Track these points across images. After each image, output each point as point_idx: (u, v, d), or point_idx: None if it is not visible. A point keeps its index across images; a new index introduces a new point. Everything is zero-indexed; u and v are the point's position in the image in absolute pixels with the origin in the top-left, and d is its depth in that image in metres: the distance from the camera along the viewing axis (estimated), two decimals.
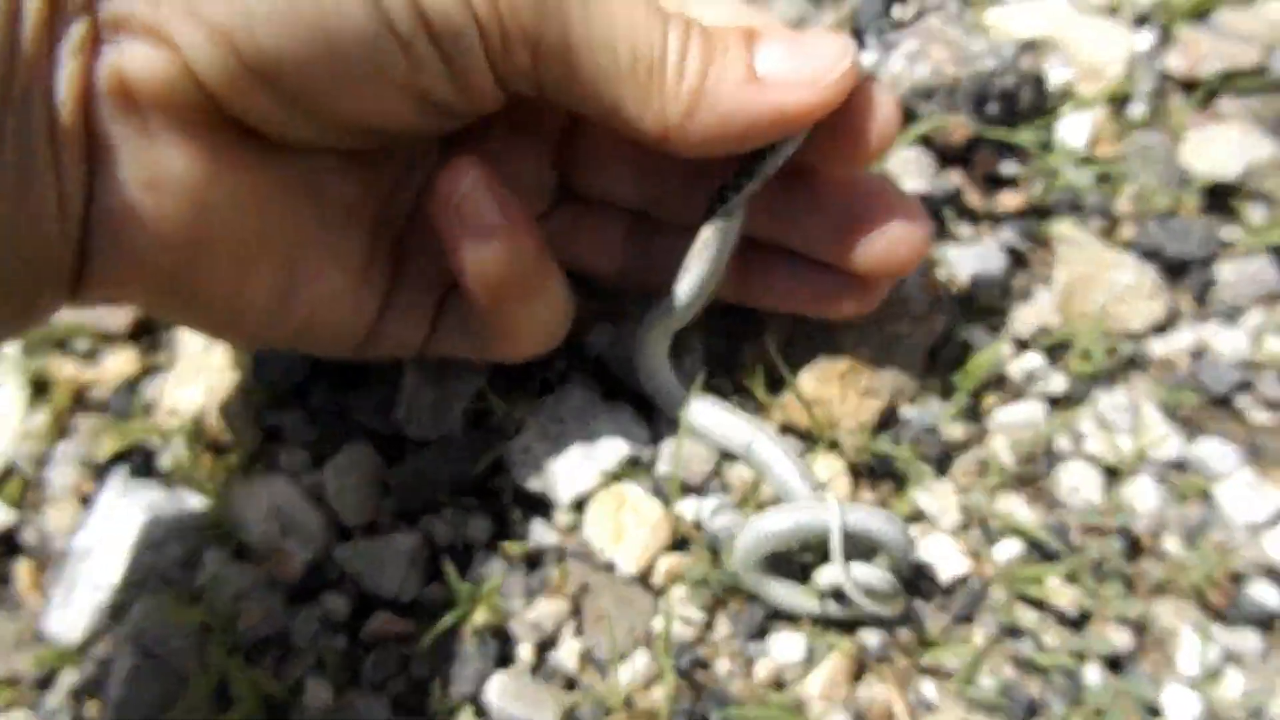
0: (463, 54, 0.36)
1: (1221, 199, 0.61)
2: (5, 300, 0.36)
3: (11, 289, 0.35)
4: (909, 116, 0.58)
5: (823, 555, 0.48)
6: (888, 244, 0.45)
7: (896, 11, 0.43)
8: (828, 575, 0.47)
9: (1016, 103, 0.58)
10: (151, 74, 0.35)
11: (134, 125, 0.35)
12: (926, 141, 0.58)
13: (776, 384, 0.52)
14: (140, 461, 0.54)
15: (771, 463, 0.49)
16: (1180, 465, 0.55)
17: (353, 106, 0.37)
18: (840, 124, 0.41)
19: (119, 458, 0.54)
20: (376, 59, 0.35)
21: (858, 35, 0.43)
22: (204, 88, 0.35)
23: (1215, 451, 0.54)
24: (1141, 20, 0.66)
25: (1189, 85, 0.64)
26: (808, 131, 0.42)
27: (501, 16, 0.36)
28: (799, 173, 0.45)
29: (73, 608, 0.48)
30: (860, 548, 0.47)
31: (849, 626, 0.49)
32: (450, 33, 0.36)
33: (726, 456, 0.52)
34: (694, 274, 0.45)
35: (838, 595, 0.48)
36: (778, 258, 0.49)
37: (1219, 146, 0.61)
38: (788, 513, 0.46)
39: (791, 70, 0.39)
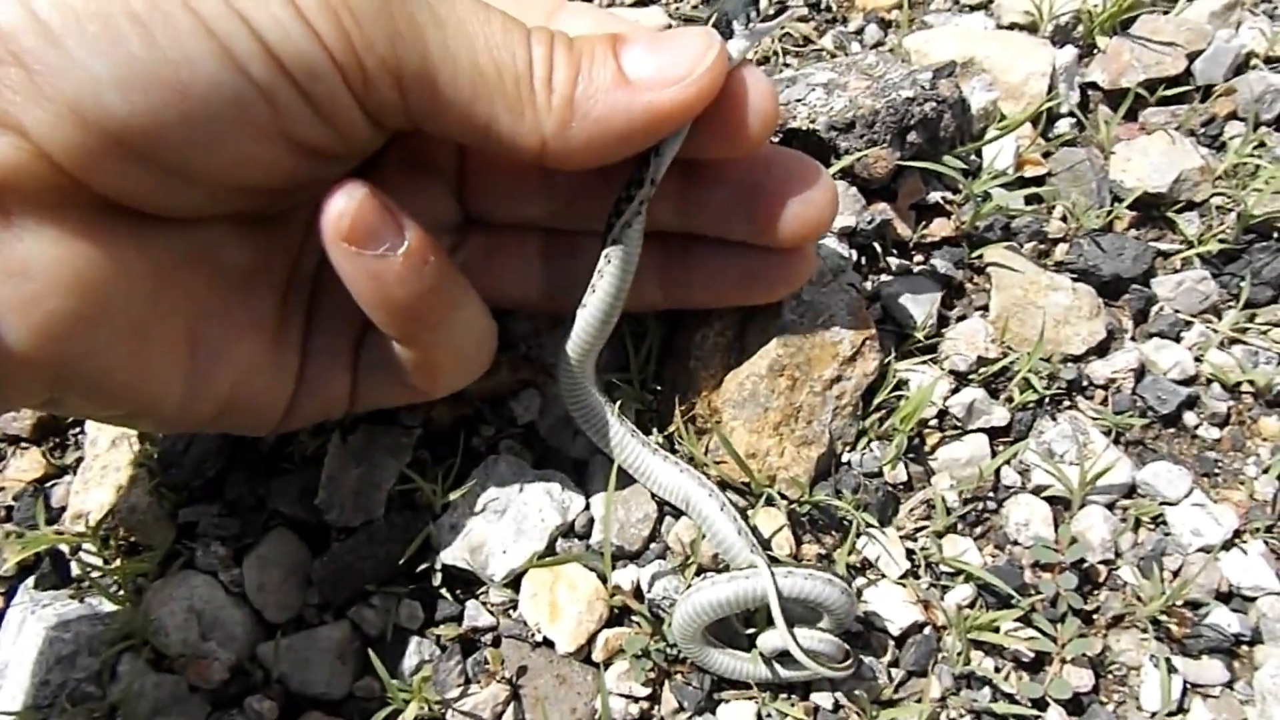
0: (325, 94, 0.35)
1: (1155, 210, 0.60)
2: None
3: None
4: (832, 152, 0.56)
5: (767, 619, 0.46)
6: (799, 208, 0.45)
7: (764, 2, 0.42)
8: (770, 641, 0.45)
9: (939, 129, 0.57)
10: (3, 162, 0.33)
11: None
12: (850, 175, 0.56)
13: (711, 435, 0.51)
14: (49, 569, 0.51)
15: (708, 518, 0.47)
16: (1130, 491, 0.53)
17: (224, 164, 0.36)
18: (719, 114, 0.41)
19: (27, 569, 0.51)
20: (238, 109, 0.34)
21: (727, 25, 0.42)
22: (61, 168, 0.34)
23: (1165, 474, 0.53)
24: (1062, 34, 0.65)
25: (1114, 97, 0.63)
26: (687, 128, 0.41)
27: (357, 51, 0.35)
28: (696, 161, 0.45)
29: None
30: (803, 609, 0.45)
31: (801, 690, 0.48)
32: (308, 73, 0.34)
33: (664, 515, 0.50)
34: (603, 289, 0.44)
35: (784, 657, 0.46)
36: (697, 250, 0.48)
37: (1148, 158, 0.60)
38: (725, 583, 0.44)
39: (660, 69, 0.39)
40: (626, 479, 0.49)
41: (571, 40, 0.39)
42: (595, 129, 0.39)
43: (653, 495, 0.50)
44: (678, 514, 0.50)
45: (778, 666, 0.46)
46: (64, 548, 0.51)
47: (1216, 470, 0.55)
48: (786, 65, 0.66)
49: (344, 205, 0.38)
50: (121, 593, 0.49)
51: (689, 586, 0.46)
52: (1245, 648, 0.50)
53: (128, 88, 0.33)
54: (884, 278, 0.56)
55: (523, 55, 0.38)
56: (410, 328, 0.41)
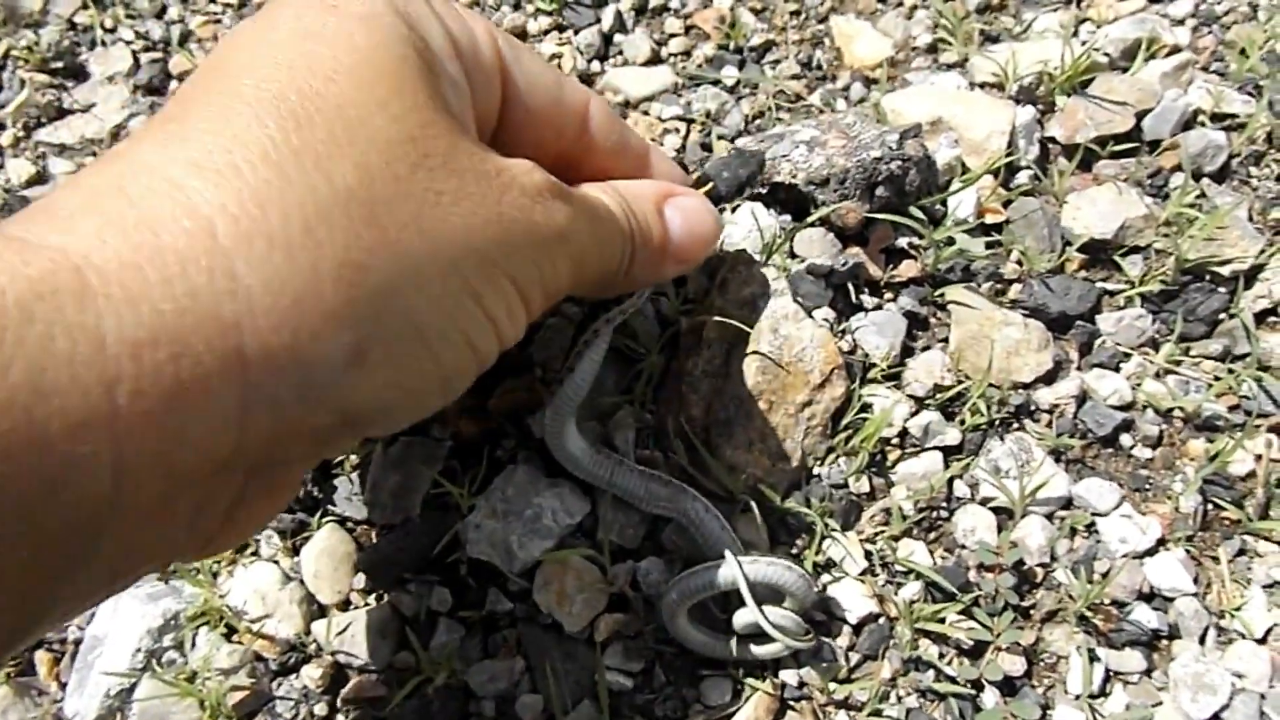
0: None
1: (1102, 253, 0.68)
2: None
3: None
4: (811, 203, 0.64)
5: (739, 602, 0.54)
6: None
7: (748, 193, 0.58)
8: (743, 617, 0.54)
9: (905, 184, 0.65)
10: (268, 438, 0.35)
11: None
12: (826, 223, 0.64)
13: (699, 450, 0.59)
14: None
15: (699, 524, 0.55)
16: (1068, 503, 0.61)
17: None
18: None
19: None
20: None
21: (712, 187, 0.57)
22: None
23: (1097, 489, 0.60)
24: (1027, 93, 0.73)
25: (1071, 151, 0.71)
26: None
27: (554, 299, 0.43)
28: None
29: (86, 693, 0.55)
30: (770, 593, 0.53)
31: (771, 668, 0.56)
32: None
33: (658, 520, 0.59)
34: (578, 375, 0.53)
35: (755, 636, 0.54)
36: None
37: (1096, 207, 0.68)
38: (701, 571, 0.53)
39: (692, 235, 0.50)
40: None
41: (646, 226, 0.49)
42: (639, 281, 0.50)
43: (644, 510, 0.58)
44: (668, 520, 0.59)
45: (750, 646, 0.55)
46: None
47: (1147, 486, 0.62)
48: (779, 120, 0.74)
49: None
50: (200, 576, 0.58)
51: (675, 577, 0.54)
52: (1163, 642, 0.58)
53: (409, 402, 0.38)
54: (856, 314, 0.64)
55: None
56: None
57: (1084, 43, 0.73)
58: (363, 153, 0.33)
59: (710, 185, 0.61)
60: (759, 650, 0.55)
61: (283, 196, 0.31)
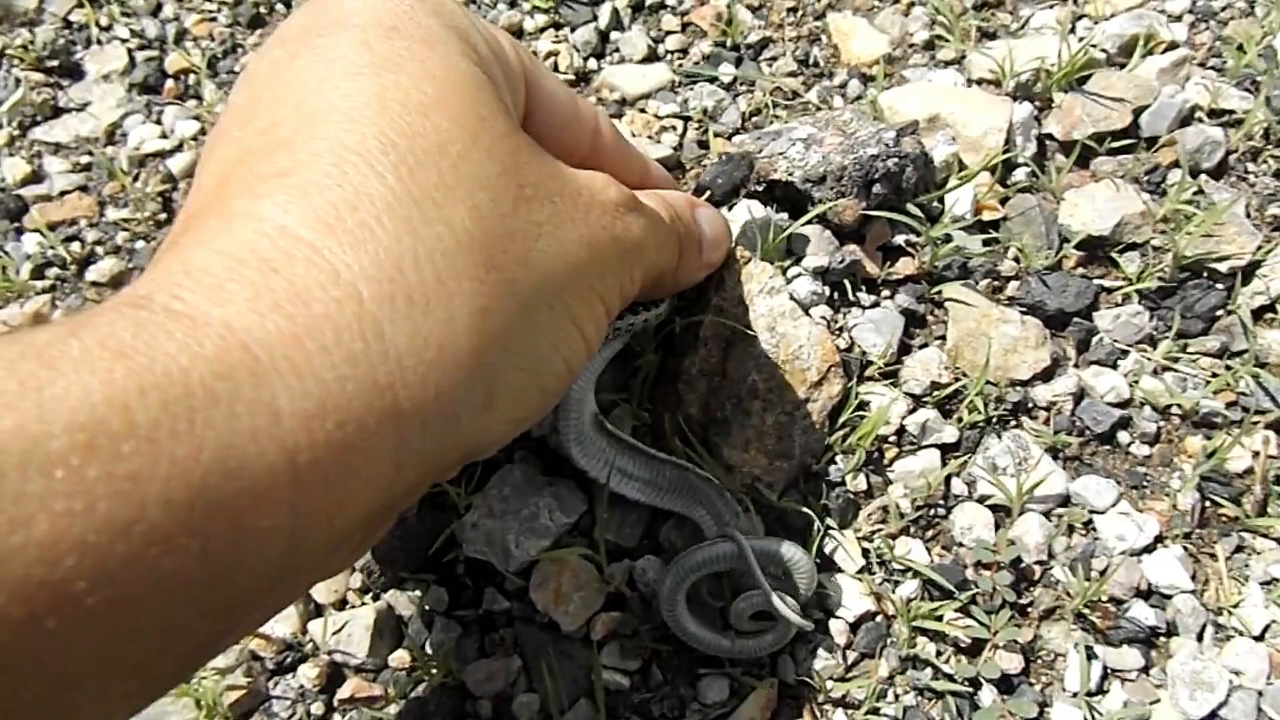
0: None
1: (1099, 250, 0.68)
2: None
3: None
4: (808, 200, 0.64)
5: (742, 589, 0.54)
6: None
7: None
8: (742, 605, 0.54)
9: (902, 181, 0.64)
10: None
11: None
12: (823, 221, 0.64)
13: (696, 449, 0.59)
14: None
15: (708, 502, 0.56)
16: (1065, 501, 0.61)
17: None
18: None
19: None
20: None
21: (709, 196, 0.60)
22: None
23: (1094, 486, 0.60)
24: (1024, 90, 0.73)
25: (1068, 147, 0.71)
26: None
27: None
28: None
29: None
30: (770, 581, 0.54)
31: (768, 667, 0.56)
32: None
33: (656, 518, 0.59)
34: (594, 366, 0.54)
35: (753, 633, 0.54)
36: None
37: (1094, 204, 0.68)
38: (706, 547, 0.53)
39: (715, 235, 0.54)
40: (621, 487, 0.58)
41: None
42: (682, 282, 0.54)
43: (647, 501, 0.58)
44: (667, 517, 0.59)
45: (745, 640, 0.54)
46: None
47: (1145, 483, 0.62)
48: (776, 118, 0.74)
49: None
50: None
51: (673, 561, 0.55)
52: (1161, 639, 0.58)
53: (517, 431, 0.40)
54: (853, 311, 0.64)
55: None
56: None
57: (1081, 39, 0.73)
58: (471, 193, 0.34)
59: (708, 193, 0.61)
60: (757, 643, 0.54)
61: (415, 251, 0.32)
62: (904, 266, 0.66)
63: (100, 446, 0.24)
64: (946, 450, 0.61)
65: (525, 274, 0.35)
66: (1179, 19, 0.76)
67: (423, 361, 0.31)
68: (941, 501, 0.60)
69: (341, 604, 0.58)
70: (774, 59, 0.77)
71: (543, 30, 0.77)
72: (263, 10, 0.80)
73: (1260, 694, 0.55)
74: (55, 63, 0.76)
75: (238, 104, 0.38)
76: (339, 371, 0.29)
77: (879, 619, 0.57)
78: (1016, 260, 0.67)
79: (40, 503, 0.23)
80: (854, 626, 0.57)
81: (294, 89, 0.35)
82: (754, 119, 0.74)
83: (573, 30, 0.77)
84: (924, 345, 0.64)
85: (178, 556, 0.25)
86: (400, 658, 0.57)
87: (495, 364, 0.34)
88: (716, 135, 0.71)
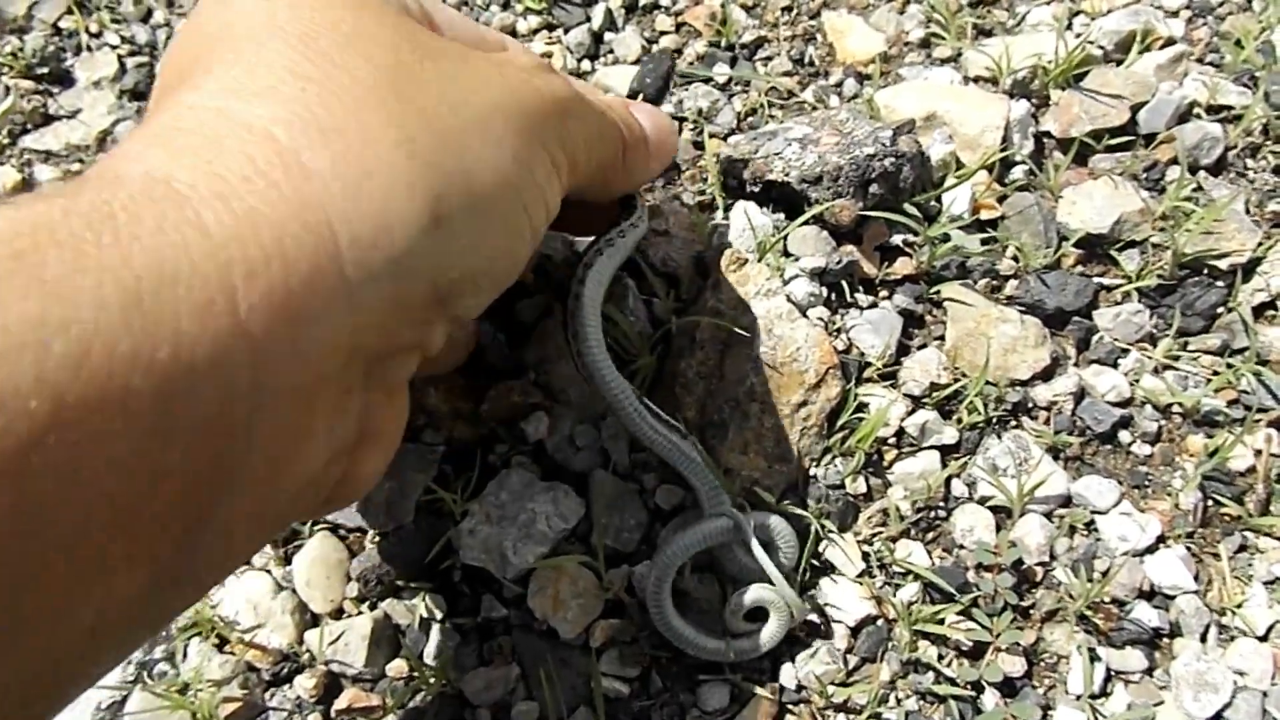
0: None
1: (1098, 248, 0.67)
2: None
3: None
4: (804, 201, 0.64)
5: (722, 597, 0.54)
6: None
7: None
8: (738, 599, 0.53)
9: (899, 181, 0.64)
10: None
11: None
12: (820, 221, 0.64)
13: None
14: None
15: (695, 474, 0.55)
16: (1067, 501, 0.60)
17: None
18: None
19: None
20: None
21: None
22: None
23: (1095, 487, 0.60)
24: (1021, 87, 0.72)
25: (1066, 145, 0.70)
26: None
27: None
28: None
29: (77, 707, 0.54)
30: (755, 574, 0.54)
31: (769, 672, 0.55)
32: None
33: (654, 522, 0.58)
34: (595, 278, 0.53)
35: (746, 633, 0.54)
36: None
37: (1092, 202, 0.67)
38: (696, 525, 0.54)
39: (660, 134, 0.54)
40: (620, 492, 0.57)
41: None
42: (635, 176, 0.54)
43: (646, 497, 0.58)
44: (666, 519, 0.58)
45: (739, 641, 0.54)
46: None
47: (1146, 483, 0.61)
48: (771, 118, 0.73)
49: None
50: None
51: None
52: (1164, 640, 0.57)
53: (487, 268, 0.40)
54: (851, 312, 0.64)
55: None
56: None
57: (1078, 36, 0.73)
58: (369, 51, 0.36)
59: (640, 95, 0.66)
60: (752, 641, 0.54)
61: (320, 95, 0.33)
62: (902, 266, 0.65)
63: (25, 251, 0.25)
64: (946, 451, 0.61)
65: (450, 114, 0.36)
66: (1176, 15, 0.76)
67: (346, 180, 0.32)
68: (942, 503, 0.60)
69: (338, 613, 0.57)
70: (769, 59, 0.76)
71: (536, 32, 0.77)
72: None
73: (1265, 695, 0.55)
74: (45, 70, 0.76)
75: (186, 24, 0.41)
76: (265, 195, 0.30)
77: (880, 623, 0.56)
78: (1015, 259, 0.66)
79: None
80: (855, 631, 0.56)
81: (209, 27, 0.37)
82: (749, 119, 0.73)
83: (566, 31, 0.77)
84: (923, 346, 0.64)
85: (119, 365, 0.25)
86: (398, 667, 0.56)
87: (434, 186, 0.34)
88: (712, 136, 0.71)
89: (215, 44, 0.36)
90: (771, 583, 0.53)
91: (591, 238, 0.54)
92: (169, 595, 0.31)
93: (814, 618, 0.56)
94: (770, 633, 0.54)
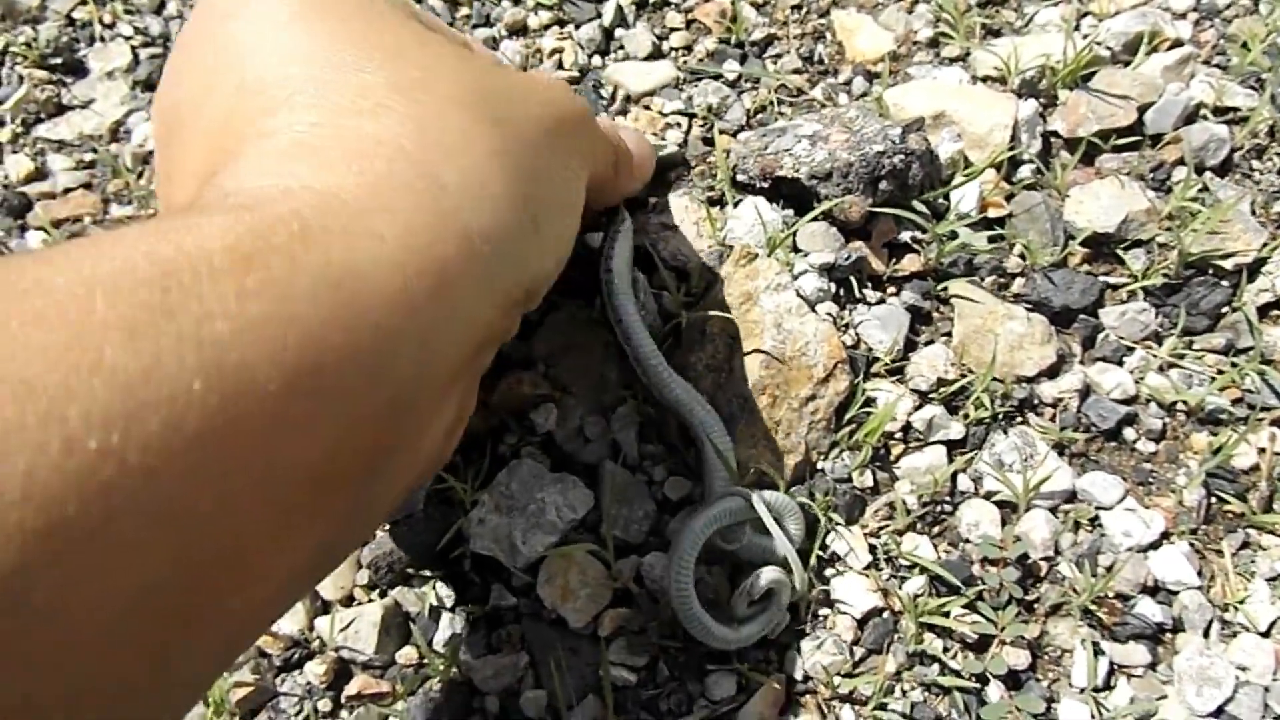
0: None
1: (1105, 247, 0.68)
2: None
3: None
4: (814, 197, 0.64)
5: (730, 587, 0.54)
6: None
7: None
8: (764, 577, 0.54)
9: (908, 178, 0.64)
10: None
11: None
12: (829, 217, 0.64)
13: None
14: None
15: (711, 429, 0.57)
16: (1071, 497, 0.61)
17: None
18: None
19: None
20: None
21: None
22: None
23: (1100, 483, 0.60)
24: (1029, 87, 0.73)
25: (1074, 145, 0.71)
26: None
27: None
28: None
29: None
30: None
31: (776, 663, 0.56)
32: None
33: (663, 514, 0.59)
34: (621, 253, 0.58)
35: (750, 617, 0.55)
36: None
37: (1099, 201, 0.68)
38: (712, 505, 0.54)
39: (641, 152, 0.60)
40: (628, 484, 0.58)
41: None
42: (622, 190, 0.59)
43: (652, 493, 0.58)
44: (674, 510, 0.59)
45: (749, 626, 0.54)
46: None
47: (1151, 480, 0.62)
48: (780, 114, 0.74)
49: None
50: None
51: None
52: (1168, 635, 0.58)
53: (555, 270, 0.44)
54: (859, 308, 0.64)
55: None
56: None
57: (1085, 36, 0.73)
58: (443, 70, 0.39)
59: None
60: (757, 624, 0.54)
61: (427, 115, 0.36)
62: (910, 263, 0.66)
63: (252, 255, 0.28)
64: (953, 447, 0.61)
65: (517, 123, 0.40)
66: (1183, 16, 0.76)
67: (473, 193, 0.35)
68: (948, 498, 0.60)
69: (349, 600, 0.58)
70: (778, 56, 0.77)
71: (547, 27, 0.77)
72: None
73: (1267, 690, 0.55)
74: (58, 60, 0.76)
75: (188, 71, 0.41)
76: (415, 203, 0.33)
77: (886, 615, 0.57)
78: (1022, 257, 0.67)
79: (220, 302, 0.27)
80: (861, 623, 0.57)
81: (236, 47, 0.38)
82: (759, 116, 0.73)
83: (577, 27, 0.77)
84: (930, 342, 0.64)
85: (332, 354, 0.29)
86: (407, 654, 0.57)
87: (530, 193, 0.38)
88: (721, 132, 0.71)
89: (280, 68, 0.37)
90: (783, 559, 0.54)
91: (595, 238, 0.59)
92: (337, 547, 0.37)
93: (823, 610, 0.57)
94: (771, 615, 0.55)
